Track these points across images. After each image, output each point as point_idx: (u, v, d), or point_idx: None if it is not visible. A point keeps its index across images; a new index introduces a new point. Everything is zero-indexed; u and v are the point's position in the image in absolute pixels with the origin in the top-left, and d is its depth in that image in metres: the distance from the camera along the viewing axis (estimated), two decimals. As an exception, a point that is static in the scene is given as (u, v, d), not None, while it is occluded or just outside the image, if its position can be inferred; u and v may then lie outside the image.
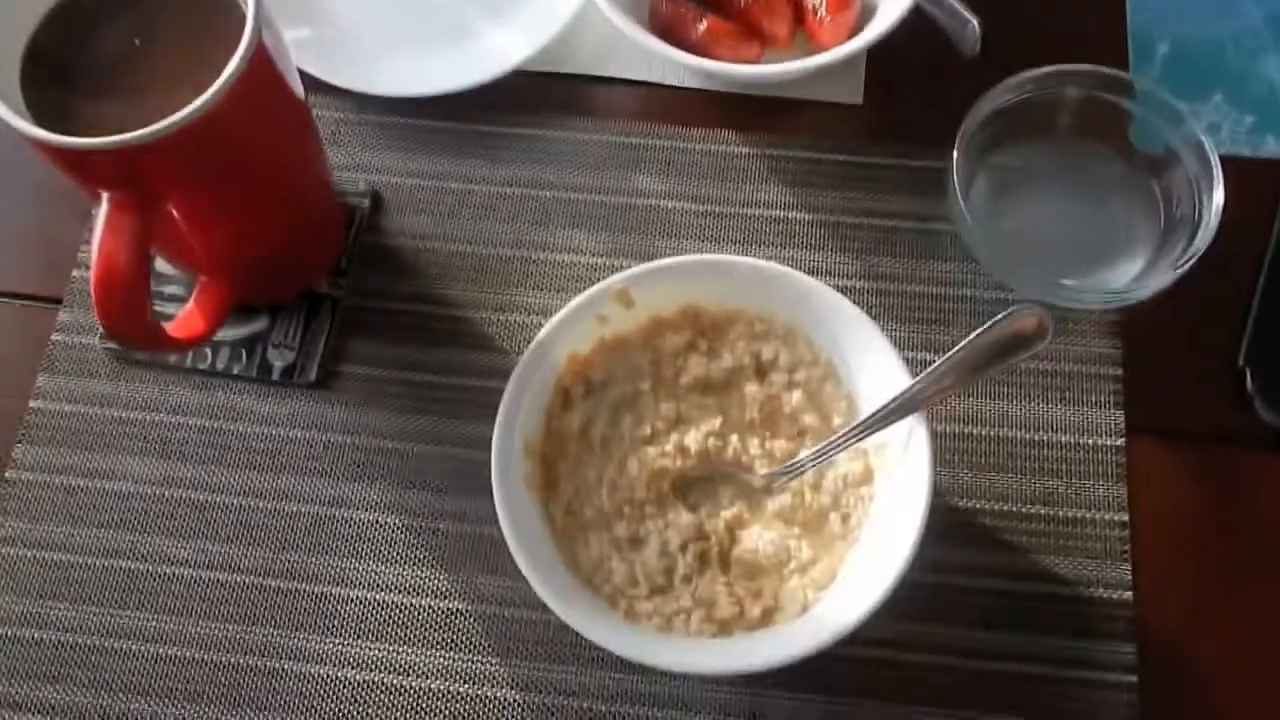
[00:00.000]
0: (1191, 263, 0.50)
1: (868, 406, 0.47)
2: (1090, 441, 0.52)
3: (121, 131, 0.41)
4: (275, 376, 0.54)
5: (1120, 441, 0.51)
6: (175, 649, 0.50)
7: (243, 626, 0.50)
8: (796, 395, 0.49)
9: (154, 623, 0.50)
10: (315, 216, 0.55)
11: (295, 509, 0.52)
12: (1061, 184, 0.56)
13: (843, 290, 0.48)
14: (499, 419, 0.47)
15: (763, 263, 0.49)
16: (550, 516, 0.48)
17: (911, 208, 0.56)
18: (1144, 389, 0.52)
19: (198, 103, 0.41)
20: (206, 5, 0.45)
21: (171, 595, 0.51)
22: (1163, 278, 0.50)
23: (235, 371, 0.55)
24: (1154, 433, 0.52)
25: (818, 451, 0.47)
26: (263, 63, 0.43)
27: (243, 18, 0.43)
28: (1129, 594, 0.49)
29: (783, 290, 0.49)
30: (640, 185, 0.58)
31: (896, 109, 0.58)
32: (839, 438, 0.47)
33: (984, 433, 0.52)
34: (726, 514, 0.48)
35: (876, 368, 0.47)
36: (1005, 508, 0.51)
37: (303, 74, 0.58)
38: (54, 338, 0.56)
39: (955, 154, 0.52)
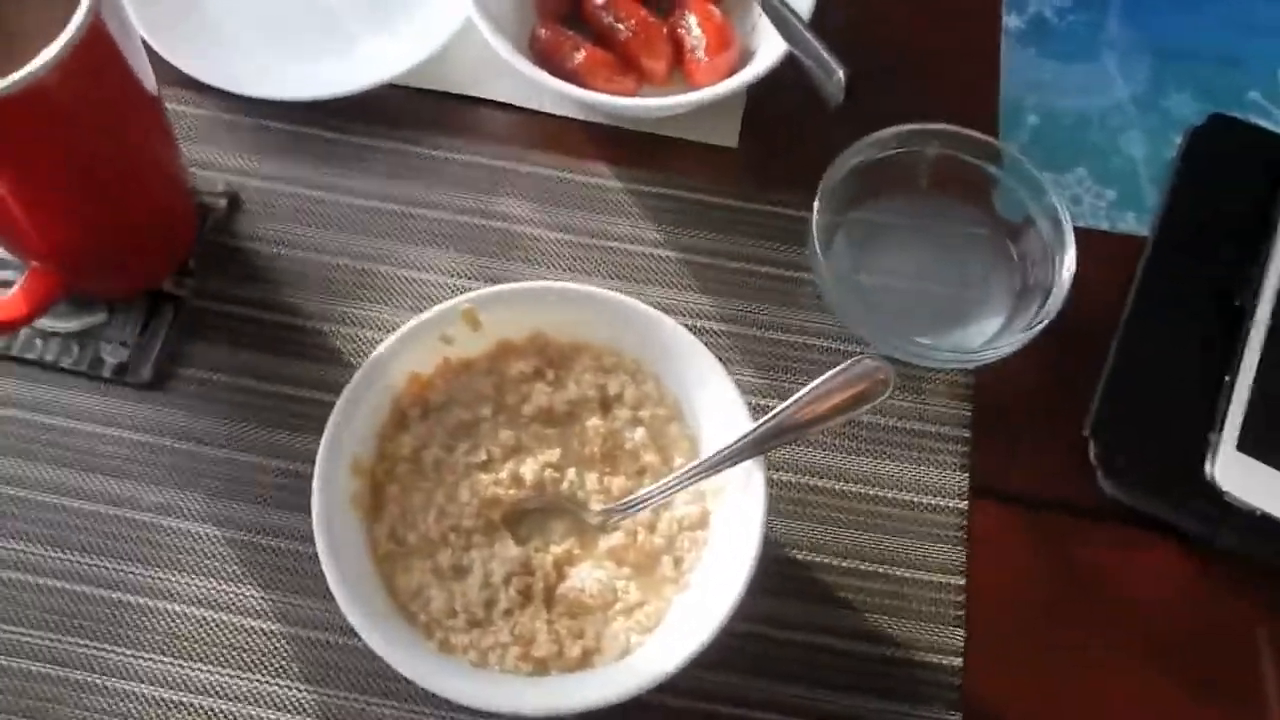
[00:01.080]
0: (1040, 328, 0.50)
1: (710, 449, 0.47)
2: (932, 502, 0.51)
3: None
4: (106, 373, 0.52)
5: (962, 504, 0.51)
6: (-38, 655, 0.47)
7: (42, 634, 0.47)
8: (639, 433, 0.48)
9: (-58, 625, 0.47)
10: (160, 211, 0.53)
11: (111, 513, 0.50)
12: (922, 242, 0.56)
13: (698, 331, 0.48)
14: (326, 433, 0.45)
15: (617, 295, 0.48)
16: (374, 539, 0.46)
17: (775, 254, 0.56)
18: (990, 452, 0.52)
19: (11, 79, 0.39)
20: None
21: (-36, 598, 0.48)
22: (1013, 341, 0.51)
23: (64, 365, 0.52)
24: (996, 497, 0.52)
25: (655, 490, 0.46)
26: (96, 42, 0.41)
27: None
28: (959, 660, 0.48)
29: (635, 326, 0.48)
30: (504, 209, 0.57)
31: (770, 155, 0.58)
32: (676, 477, 0.46)
33: (827, 485, 0.51)
34: (556, 549, 0.46)
35: (722, 412, 0.46)
36: (842, 563, 0.50)
37: (171, 68, 0.56)
38: None
39: (816, 205, 0.51)
